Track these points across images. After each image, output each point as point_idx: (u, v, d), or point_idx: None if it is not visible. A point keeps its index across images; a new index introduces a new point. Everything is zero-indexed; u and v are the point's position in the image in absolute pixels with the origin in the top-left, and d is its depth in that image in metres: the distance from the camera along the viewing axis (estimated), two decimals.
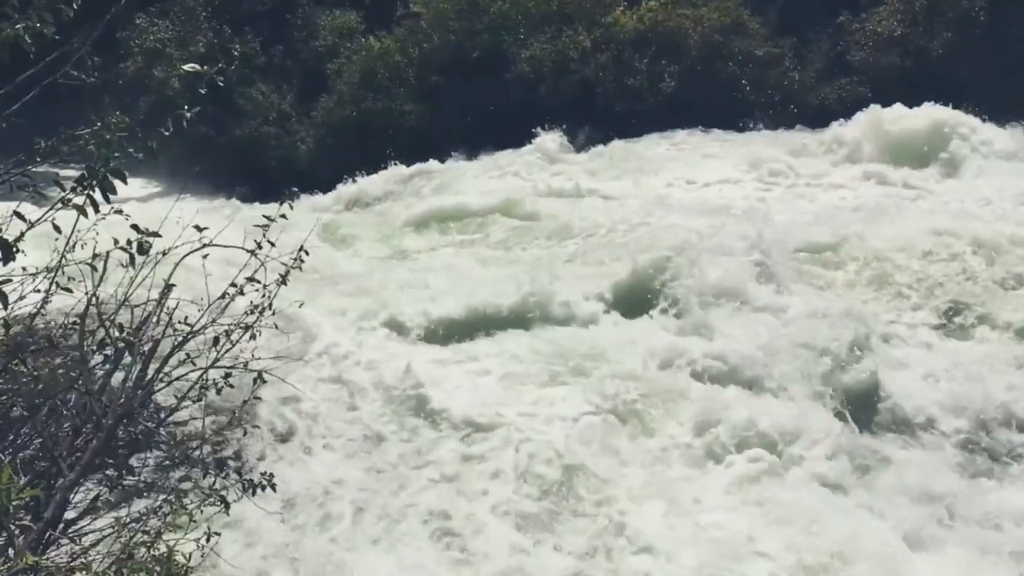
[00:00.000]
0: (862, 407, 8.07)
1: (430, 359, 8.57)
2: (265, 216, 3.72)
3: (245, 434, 4.07)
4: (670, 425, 7.66)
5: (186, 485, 3.67)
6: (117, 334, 3.56)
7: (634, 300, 9.95)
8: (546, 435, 7.40)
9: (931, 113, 14.84)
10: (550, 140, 17.32)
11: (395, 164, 17.34)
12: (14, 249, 2.83)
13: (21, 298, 3.51)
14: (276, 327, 3.98)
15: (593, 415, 7.70)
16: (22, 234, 2.96)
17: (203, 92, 3.22)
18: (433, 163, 17.19)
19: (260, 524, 5.42)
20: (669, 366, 8.36)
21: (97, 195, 3.05)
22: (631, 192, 14.26)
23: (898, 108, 15.14)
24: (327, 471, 6.78)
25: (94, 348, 3.62)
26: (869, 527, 6.48)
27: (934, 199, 13.02)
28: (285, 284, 3.91)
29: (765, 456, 7.17)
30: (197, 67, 3.19)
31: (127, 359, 3.62)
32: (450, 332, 9.27)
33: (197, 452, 3.82)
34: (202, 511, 3.59)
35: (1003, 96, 15.09)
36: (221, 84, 3.26)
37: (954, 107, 14.86)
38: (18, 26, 2.82)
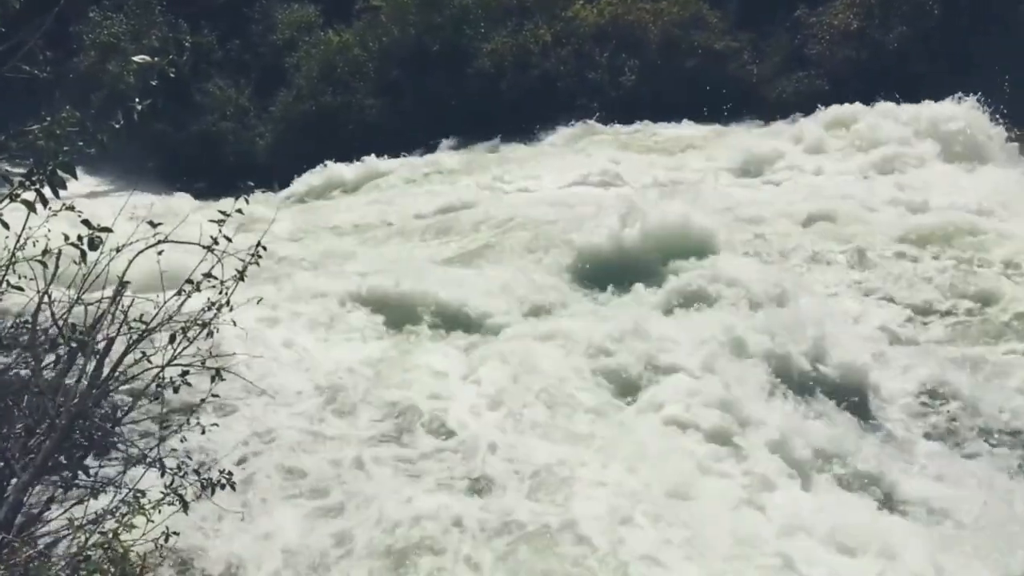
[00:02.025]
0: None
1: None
2: (221, 211, 3.67)
3: (203, 432, 4.01)
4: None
5: (143, 485, 3.61)
6: (70, 333, 3.50)
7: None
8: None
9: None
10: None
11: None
12: None
13: None
14: (234, 324, 3.92)
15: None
16: None
17: (154, 83, 3.16)
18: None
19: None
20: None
21: (47, 191, 3.00)
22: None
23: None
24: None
25: (47, 347, 3.56)
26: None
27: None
28: (243, 280, 3.86)
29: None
30: (148, 58, 3.14)
31: (81, 358, 3.55)
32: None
33: (154, 451, 3.76)
34: (160, 511, 3.54)
35: (956, 88, 15.30)
36: (172, 75, 3.20)
37: (907, 100, 15.13)
38: None
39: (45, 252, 3.42)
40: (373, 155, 17.25)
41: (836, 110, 15.60)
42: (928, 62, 16.88)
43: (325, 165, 17.29)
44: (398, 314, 9.14)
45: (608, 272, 9.88)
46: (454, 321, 9.00)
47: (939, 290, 9.32)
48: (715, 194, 12.52)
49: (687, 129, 17.24)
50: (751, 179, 14.03)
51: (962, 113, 14.23)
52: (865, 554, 5.58)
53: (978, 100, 14.46)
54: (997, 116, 14.34)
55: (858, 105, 15.47)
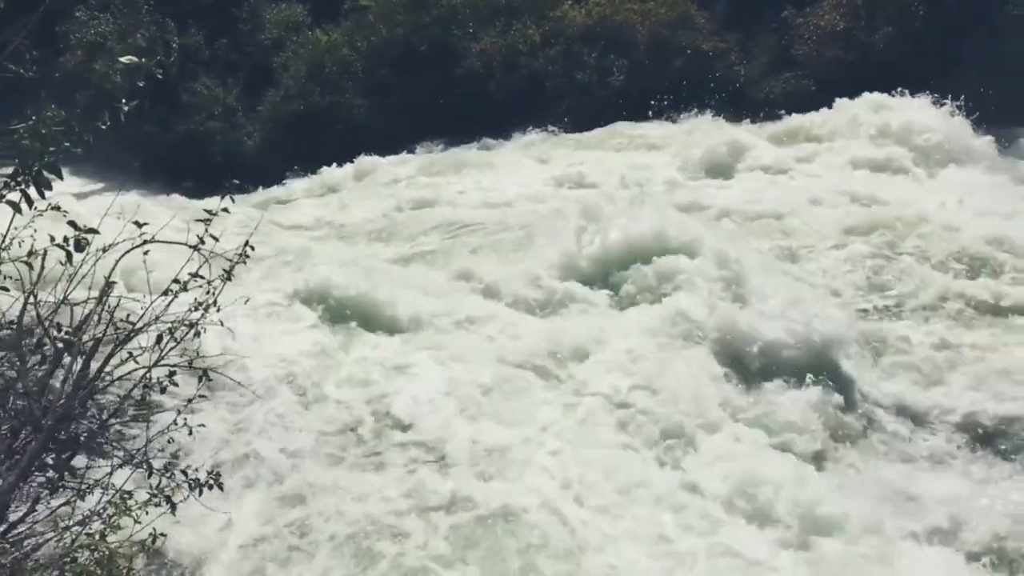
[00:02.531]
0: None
1: None
2: (206, 211, 3.66)
3: (190, 433, 4.00)
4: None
5: (130, 486, 3.60)
6: (56, 333, 3.48)
7: None
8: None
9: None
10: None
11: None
12: None
13: None
14: (222, 324, 3.91)
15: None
16: None
17: (141, 85, 3.15)
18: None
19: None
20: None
21: (32, 192, 2.99)
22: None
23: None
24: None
25: (32, 348, 3.54)
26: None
27: None
28: (230, 279, 3.85)
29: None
30: (135, 59, 3.13)
31: (67, 359, 3.53)
32: None
33: (140, 452, 3.75)
34: (147, 512, 3.53)
35: (941, 89, 15.39)
36: (160, 76, 3.19)
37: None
38: None
39: (30, 253, 3.40)
40: (343, 160, 17.35)
41: (810, 115, 15.77)
42: (914, 63, 16.94)
43: (283, 184, 17.30)
44: (349, 310, 9.27)
45: (562, 271, 10.04)
46: (405, 318, 9.14)
47: (858, 283, 9.67)
48: (675, 195, 12.67)
49: (656, 129, 17.20)
50: (713, 179, 14.01)
51: (936, 116, 14.45)
52: (793, 521, 6.07)
53: (958, 105, 14.66)
54: (979, 119, 14.48)
55: (824, 111, 15.73)
